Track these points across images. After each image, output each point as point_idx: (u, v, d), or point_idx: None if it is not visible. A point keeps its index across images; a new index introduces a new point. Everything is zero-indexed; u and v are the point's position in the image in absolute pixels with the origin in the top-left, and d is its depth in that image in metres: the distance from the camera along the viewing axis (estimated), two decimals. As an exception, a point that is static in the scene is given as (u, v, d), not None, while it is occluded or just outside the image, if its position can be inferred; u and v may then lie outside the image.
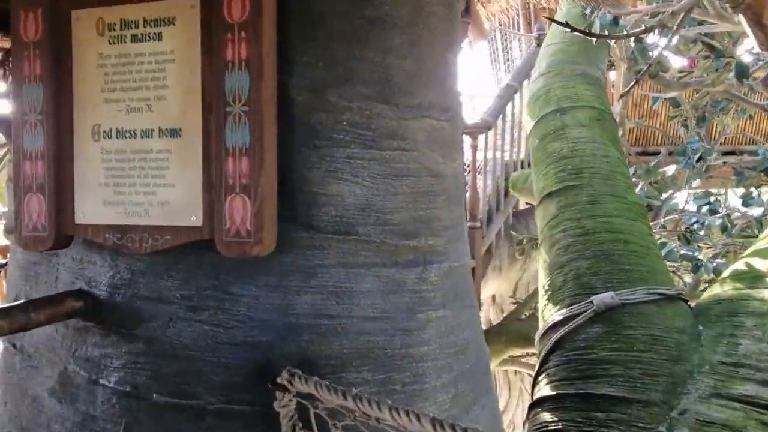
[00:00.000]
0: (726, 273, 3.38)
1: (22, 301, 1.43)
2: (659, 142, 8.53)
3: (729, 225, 4.58)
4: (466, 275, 1.68)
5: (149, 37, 1.29)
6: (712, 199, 5.53)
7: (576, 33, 4.34)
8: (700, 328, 2.89)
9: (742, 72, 4.27)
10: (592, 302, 2.79)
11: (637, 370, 2.73)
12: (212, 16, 1.24)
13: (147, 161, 1.31)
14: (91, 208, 1.35)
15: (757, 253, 3.28)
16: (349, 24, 1.30)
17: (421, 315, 1.46)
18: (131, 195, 1.32)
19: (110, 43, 1.32)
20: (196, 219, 1.27)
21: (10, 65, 2.77)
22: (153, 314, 1.36)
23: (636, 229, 3.22)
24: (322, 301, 1.35)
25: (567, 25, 2.59)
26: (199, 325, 1.33)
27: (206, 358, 1.33)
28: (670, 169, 5.26)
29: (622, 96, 5.09)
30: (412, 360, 1.43)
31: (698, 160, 5.88)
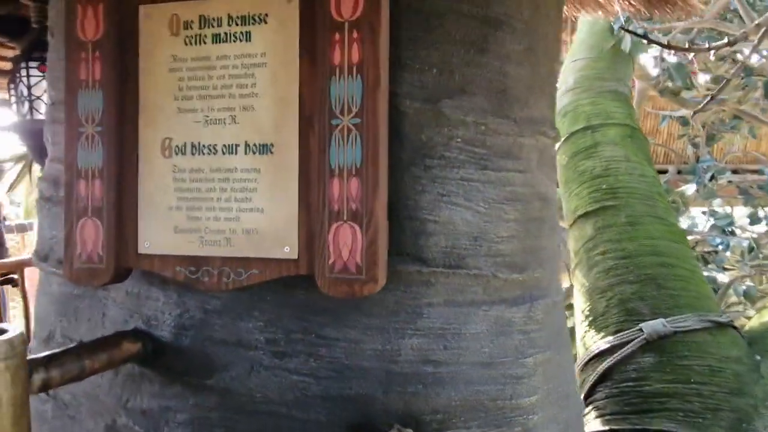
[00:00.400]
0: None
1: (72, 344, 1.21)
2: (661, 160, 8.50)
3: (755, 246, 4.47)
4: (563, 311, 1.50)
5: (235, 36, 1.10)
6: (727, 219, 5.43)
7: (606, 48, 4.19)
8: (758, 358, 2.73)
9: (770, 90, 4.20)
10: (641, 330, 2.62)
11: (697, 403, 2.55)
12: (315, 13, 1.05)
13: (230, 182, 1.11)
14: (159, 237, 1.15)
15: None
16: (468, 25, 1.12)
17: (530, 359, 1.27)
18: (209, 221, 1.12)
19: (186, 44, 1.13)
20: (290, 250, 1.07)
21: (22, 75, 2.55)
22: (230, 361, 1.15)
23: (680, 253, 3.07)
24: (428, 345, 1.15)
25: (645, 36, 2.46)
26: (286, 374, 1.12)
27: (294, 414, 1.12)
28: (690, 189, 5.16)
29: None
30: (522, 412, 1.24)
31: (711, 179, 5.79)
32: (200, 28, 1.12)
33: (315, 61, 1.05)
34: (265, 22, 1.09)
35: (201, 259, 1.12)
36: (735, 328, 2.79)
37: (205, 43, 1.12)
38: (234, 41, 1.10)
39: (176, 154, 1.14)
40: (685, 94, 4.48)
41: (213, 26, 1.12)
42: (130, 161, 1.16)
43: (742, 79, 3.94)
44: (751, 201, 5.89)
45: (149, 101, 1.15)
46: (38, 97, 2.56)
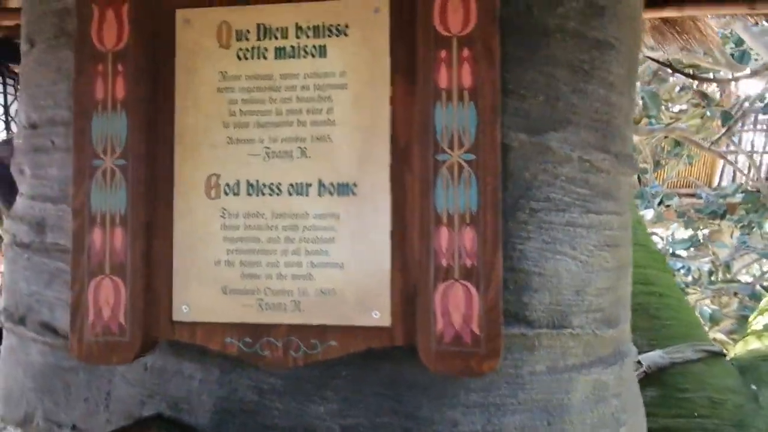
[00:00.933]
0: (757, 326, 3.28)
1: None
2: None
3: (716, 270, 4.60)
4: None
5: (305, 51, 0.89)
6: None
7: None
8: (753, 387, 2.72)
9: (727, 119, 4.38)
10: (640, 362, 2.55)
11: (703, 438, 2.49)
12: (411, 25, 0.86)
13: (299, 230, 0.88)
14: (202, 299, 0.90)
15: (796, 306, 3.23)
16: (575, 46, 0.96)
17: (623, 428, 1.11)
18: (271, 280, 0.89)
19: (240, 59, 0.91)
20: (380, 316, 0.86)
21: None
22: (294, 455, 0.91)
23: (666, 281, 3.05)
24: (531, 421, 0.97)
25: (670, 65, 2.44)
26: (368, 470, 0.90)
27: None
28: (648, 213, 5.29)
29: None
30: (622, 488, 1.07)
31: (659, 204, 5.98)
32: (259, 39, 0.90)
33: (411, 82, 0.86)
34: (345, 35, 0.88)
35: (260, 327, 0.89)
36: (724, 356, 2.79)
37: (265, 57, 0.90)
38: (304, 57, 0.89)
39: (226, 194, 0.90)
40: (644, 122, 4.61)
41: (276, 38, 0.90)
42: (163, 204, 0.91)
43: (705, 108, 4.09)
44: (691, 224, 6.13)
45: (189, 128, 0.91)
46: (13, 119, 2.20)
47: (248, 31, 0.90)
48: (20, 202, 1.22)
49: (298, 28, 0.89)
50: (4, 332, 1.27)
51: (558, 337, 0.99)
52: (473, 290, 0.83)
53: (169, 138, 0.92)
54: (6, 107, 2.20)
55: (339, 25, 0.88)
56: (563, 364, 1.00)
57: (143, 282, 0.90)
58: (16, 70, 2.29)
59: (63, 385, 1.10)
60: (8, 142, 1.90)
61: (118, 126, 0.90)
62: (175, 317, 0.91)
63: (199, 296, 0.90)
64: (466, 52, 0.83)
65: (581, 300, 1.01)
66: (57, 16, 1.14)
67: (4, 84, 2.20)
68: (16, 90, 2.25)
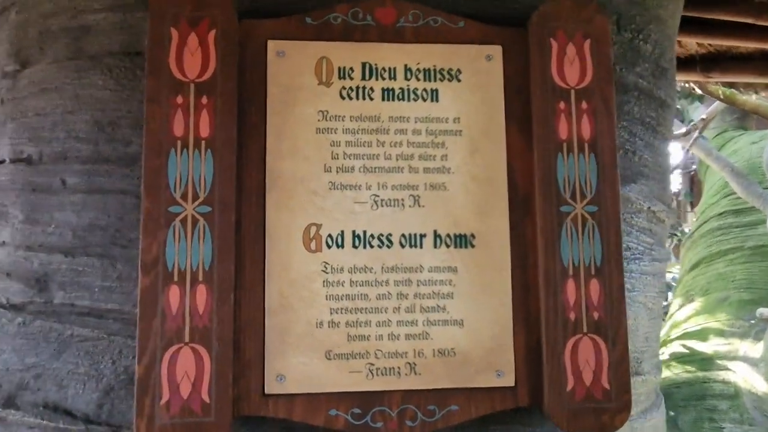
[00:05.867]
0: (663, 356, 3.58)
1: None
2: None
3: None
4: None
5: (415, 94, 0.83)
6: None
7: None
8: (671, 413, 2.96)
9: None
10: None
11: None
12: (524, 75, 0.84)
13: (413, 285, 0.80)
14: (300, 367, 0.77)
15: (690, 336, 3.58)
16: (647, 103, 1.00)
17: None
18: (382, 341, 0.79)
19: (343, 98, 0.82)
20: (504, 376, 0.80)
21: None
22: None
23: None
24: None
25: (726, 100, 2.59)
26: None
27: None
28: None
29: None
30: None
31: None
32: (364, 78, 0.83)
33: (526, 131, 0.84)
34: (458, 80, 0.84)
35: (371, 395, 0.78)
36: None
37: (371, 98, 0.82)
38: (414, 99, 0.83)
39: (328, 246, 0.80)
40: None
41: (383, 78, 0.83)
42: (253, 258, 0.78)
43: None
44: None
45: (284, 172, 0.80)
46: None
47: (352, 69, 0.82)
48: (2, 254, 0.98)
49: (407, 69, 0.83)
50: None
51: (633, 384, 0.99)
52: (602, 343, 0.80)
53: (258, 182, 0.79)
54: None
55: (451, 69, 0.84)
56: (634, 411, 1.00)
57: (231, 350, 0.76)
58: None
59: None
60: None
61: (202, 167, 0.76)
62: (268, 390, 0.77)
63: (298, 364, 0.77)
64: (584, 105, 0.83)
65: (648, 346, 1.03)
66: (72, 35, 0.96)
67: None
68: None
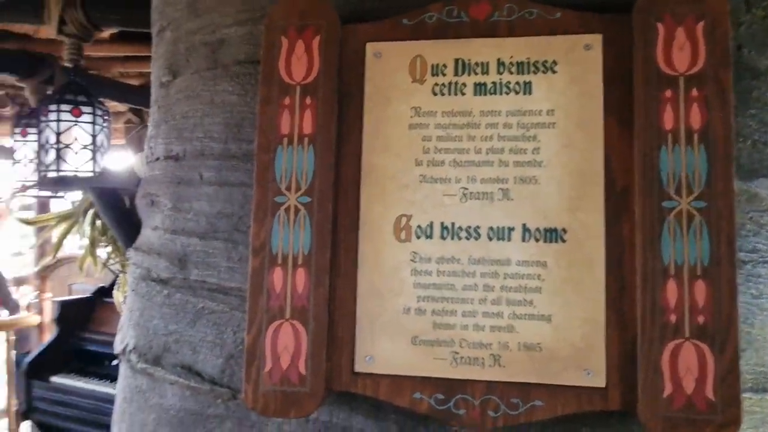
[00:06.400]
0: None
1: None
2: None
3: None
4: None
5: (508, 88, 0.83)
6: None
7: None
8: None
9: None
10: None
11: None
12: (626, 63, 0.80)
13: (500, 277, 0.81)
14: (388, 350, 0.82)
15: None
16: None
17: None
18: (467, 331, 0.81)
19: (435, 94, 0.85)
20: (593, 376, 0.77)
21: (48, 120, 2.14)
22: None
23: None
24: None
25: None
26: None
27: None
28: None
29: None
30: None
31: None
32: (456, 74, 0.85)
33: (627, 123, 0.79)
34: (553, 72, 0.82)
35: (454, 383, 0.80)
36: None
37: (463, 93, 0.84)
38: (506, 93, 0.83)
39: (417, 237, 0.83)
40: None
41: (475, 73, 0.84)
42: (347, 245, 0.84)
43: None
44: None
45: (378, 166, 0.85)
46: (67, 146, 2.17)
47: (445, 66, 0.85)
48: (154, 235, 1.16)
49: (500, 63, 0.84)
50: (127, 371, 1.19)
51: (760, 402, 0.89)
52: (706, 351, 0.74)
53: (354, 175, 0.85)
54: (94, 138, 2.18)
55: (546, 61, 0.82)
56: (762, 432, 0.90)
57: (326, 329, 0.82)
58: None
59: (204, 434, 1.01)
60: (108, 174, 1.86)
61: (304, 162, 0.84)
62: (357, 368, 0.83)
63: (385, 347, 0.82)
64: (695, 92, 0.77)
65: (782, 360, 0.92)
66: (210, 48, 1.10)
67: (94, 115, 2.18)
68: (104, 121, 2.24)
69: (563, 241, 0.80)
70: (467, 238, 0.82)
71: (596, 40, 0.81)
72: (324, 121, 0.84)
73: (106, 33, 2.37)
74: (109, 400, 2.85)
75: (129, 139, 3.90)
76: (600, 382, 0.77)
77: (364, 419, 0.88)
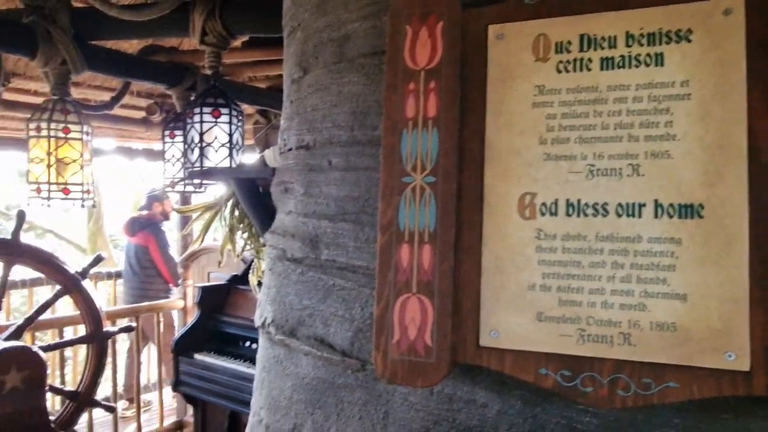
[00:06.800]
0: None
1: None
2: None
3: None
4: None
5: (638, 60, 0.81)
6: None
7: None
8: None
9: None
10: None
11: None
12: (775, 26, 0.74)
13: (630, 255, 0.79)
14: (513, 325, 0.83)
15: None
16: None
17: None
18: (594, 308, 0.80)
19: (559, 71, 0.84)
20: (735, 359, 0.73)
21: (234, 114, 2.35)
22: (613, 508, 0.80)
23: None
24: None
25: None
26: None
27: None
28: None
29: None
30: None
31: None
32: (581, 50, 0.83)
33: (774, 91, 0.74)
34: (688, 41, 0.79)
35: (581, 360, 0.79)
36: None
37: (589, 69, 0.83)
38: (636, 66, 0.81)
39: (542, 214, 0.83)
40: None
41: (603, 47, 0.82)
42: (471, 223, 0.87)
43: None
44: None
45: (501, 145, 0.86)
46: (209, 144, 2.40)
47: (569, 43, 0.84)
48: (288, 219, 1.26)
49: (629, 36, 0.81)
50: (266, 342, 1.31)
51: None
52: None
53: (477, 155, 0.87)
54: (231, 136, 2.39)
55: (680, 30, 0.79)
56: None
57: (450, 303, 0.85)
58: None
59: (335, 401, 1.09)
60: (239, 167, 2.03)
61: (428, 143, 0.88)
62: (482, 342, 0.85)
63: (510, 322, 0.83)
64: None
65: None
66: (336, 43, 1.17)
67: (231, 116, 2.39)
68: (238, 121, 2.44)
69: (700, 216, 0.76)
70: (594, 215, 0.80)
71: (738, 3, 0.76)
72: (447, 103, 0.87)
73: (238, 41, 2.58)
74: (244, 377, 3.11)
75: (257, 139, 4.20)
76: (744, 365, 0.72)
77: (488, 393, 0.89)
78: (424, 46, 0.89)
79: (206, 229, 1.95)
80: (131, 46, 3.21)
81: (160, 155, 5.64)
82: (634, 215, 0.78)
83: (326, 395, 1.10)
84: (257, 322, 1.35)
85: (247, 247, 1.90)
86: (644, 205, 0.78)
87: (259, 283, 1.82)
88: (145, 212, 5.12)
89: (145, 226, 4.98)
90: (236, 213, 1.87)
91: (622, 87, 0.80)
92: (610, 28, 0.82)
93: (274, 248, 1.30)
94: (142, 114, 4.41)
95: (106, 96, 3.79)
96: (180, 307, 4.46)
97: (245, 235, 1.92)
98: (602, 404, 0.78)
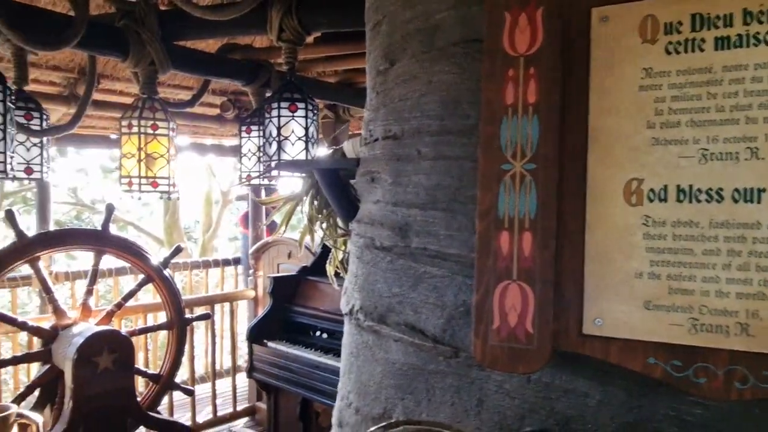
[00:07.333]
0: None
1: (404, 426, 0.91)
2: None
3: None
4: None
5: (757, 39, 0.77)
6: None
7: None
8: None
9: None
10: None
11: None
12: None
13: (747, 242, 0.75)
14: (619, 313, 0.82)
15: None
16: None
17: None
18: (708, 297, 0.77)
19: (668, 53, 0.81)
20: None
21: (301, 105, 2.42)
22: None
23: None
24: None
25: None
26: None
27: None
28: None
29: None
30: None
31: None
32: (693, 30, 0.80)
33: None
34: (814, 16, 0.74)
35: (694, 350, 0.77)
36: None
37: (701, 50, 0.80)
38: (755, 45, 0.77)
39: (650, 200, 0.81)
40: None
41: (716, 26, 0.79)
42: (574, 210, 0.85)
43: None
44: None
45: (606, 130, 0.84)
46: (286, 138, 2.46)
47: (680, 23, 0.81)
48: (376, 208, 1.27)
49: (747, 13, 0.77)
50: (353, 329, 1.34)
51: None
52: None
53: (580, 141, 0.85)
54: (307, 130, 2.44)
55: (804, 5, 0.74)
56: None
57: (552, 290, 0.84)
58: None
59: (426, 387, 1.10)
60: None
61: (528, 130, 0.87)
62: (586, 330, 0.83)
63: (616, 310, 0.82)
64: None
65: None
66: (425, 33, 1.17)
67: (306, 110, 2.44)
68: (313, 115, 2.50)
69: (827, 202, 0.71)
70: (708, 201, 0.77)
71: None
72: (548, 89, 0.86)
73: (310, 38, 2.63)
74: (316, 365, 3.19)
75: (326, 133, 4.27)
76: None
77: (589, 383, 0.88)
78: (523, 32, 0.88)
79: (288, 218, 2.01)
80: (208, 45, 3.34)
81: (229, 151, 5.85)
82: (752, 201, 0.75)
83: (417, 381, 1.11)
84: (344, 309, 1.38)
85: (325, 237, 1.95)
86: (764, 190, 0.75)
87: (336, 274, 1.87)
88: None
89: None
90: (315, 204, 1.92)
91: (740, 67, 0.77)
92: (725, 6, 0.78)
93: (361, 237, 1.32)
94: (216, 111, 4.58)
95: (183, 94, 3.96)
96: (251, 297, 4.62)
97: (324, 225, 1.97)
98: (717, 396, 0.75)
